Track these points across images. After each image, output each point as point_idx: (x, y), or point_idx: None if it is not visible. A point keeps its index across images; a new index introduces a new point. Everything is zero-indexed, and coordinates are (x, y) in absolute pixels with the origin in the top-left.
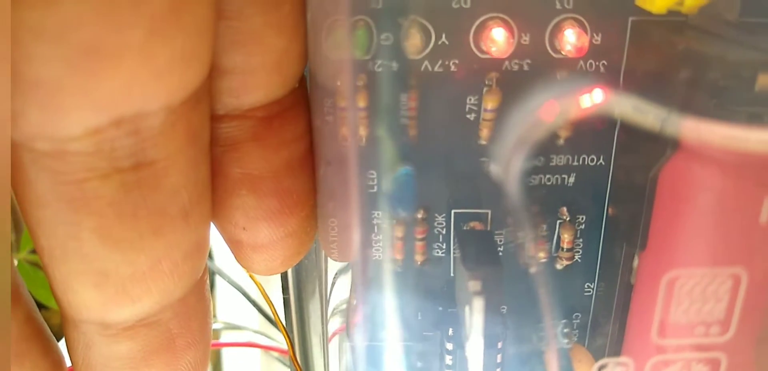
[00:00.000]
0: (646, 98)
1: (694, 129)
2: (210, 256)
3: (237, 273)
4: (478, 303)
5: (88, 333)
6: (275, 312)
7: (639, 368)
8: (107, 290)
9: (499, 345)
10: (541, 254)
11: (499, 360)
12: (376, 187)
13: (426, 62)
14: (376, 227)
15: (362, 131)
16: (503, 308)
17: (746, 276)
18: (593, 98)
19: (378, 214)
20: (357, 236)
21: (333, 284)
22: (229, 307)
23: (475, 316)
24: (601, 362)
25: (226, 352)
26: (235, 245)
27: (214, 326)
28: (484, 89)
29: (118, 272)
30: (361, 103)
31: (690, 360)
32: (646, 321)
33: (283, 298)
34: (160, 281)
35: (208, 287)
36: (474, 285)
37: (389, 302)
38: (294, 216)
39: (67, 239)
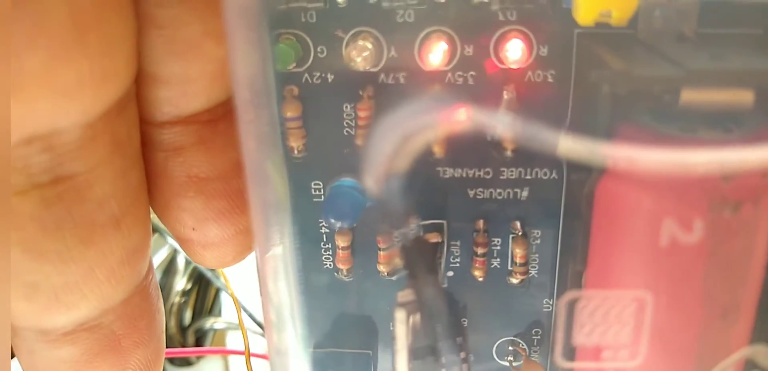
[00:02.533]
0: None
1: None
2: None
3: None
4: (400, 315)
5: (29, 339)
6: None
7: None
8: (38, 300)
9: (462, 355)
10: (478, 273)
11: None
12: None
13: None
14: (324, 237)
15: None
16: (464, 320)
17: (651, 300)
18: (456, 117)
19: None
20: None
21: None
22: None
23: (397, 326)
24: None
25: None
26: (184, 243)
27: None
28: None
29: (49, 283)
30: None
31: None
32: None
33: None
34: (96, 288)
35: (155, 285)
36: (401, 296)
37: (330, 311)
38: (245, 214)
39: None
